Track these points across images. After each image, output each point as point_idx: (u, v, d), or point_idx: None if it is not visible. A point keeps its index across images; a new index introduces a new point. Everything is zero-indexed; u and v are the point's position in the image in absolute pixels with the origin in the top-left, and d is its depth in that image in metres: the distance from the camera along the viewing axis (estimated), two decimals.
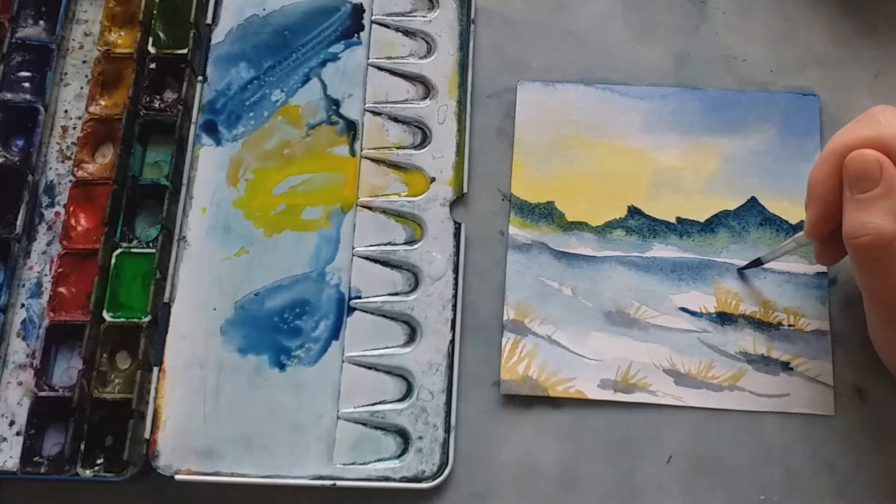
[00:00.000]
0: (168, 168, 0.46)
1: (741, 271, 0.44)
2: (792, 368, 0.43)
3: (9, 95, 0.48)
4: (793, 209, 0.45)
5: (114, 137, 0.47)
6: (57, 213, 0.46)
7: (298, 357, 0.43)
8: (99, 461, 0.42)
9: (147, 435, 0.42)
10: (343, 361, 0.43)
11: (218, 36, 0.49)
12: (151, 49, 0.48)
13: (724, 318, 0.43)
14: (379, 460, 0.42)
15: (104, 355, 0.43)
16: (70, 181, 0.46)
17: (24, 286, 0.45)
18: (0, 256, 0.45)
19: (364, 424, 0.42)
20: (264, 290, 0.44)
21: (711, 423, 0.42)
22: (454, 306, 0.44)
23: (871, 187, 0.36)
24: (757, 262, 0.44)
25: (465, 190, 0.46)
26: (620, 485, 0.41)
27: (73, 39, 0.50)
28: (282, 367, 0.43)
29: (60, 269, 0.44)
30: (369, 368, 0.43)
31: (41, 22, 0.49)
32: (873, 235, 0.35)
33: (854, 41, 0.48)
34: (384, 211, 0.46)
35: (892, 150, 0.36)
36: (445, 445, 0.42)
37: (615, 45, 0.49)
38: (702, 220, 0.45)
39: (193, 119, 0.47)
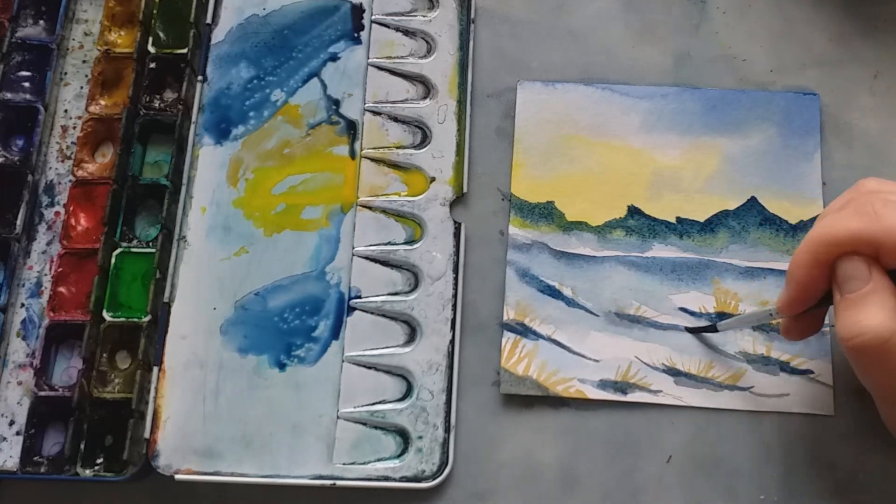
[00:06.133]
0: (168, 168, 0.46)
1: (690, 331, 0.43)
2: (792, 368, 0.42)
3: (9, 95, 0.48)
4: (793, 209, 0.45)
5: (114, 137, 0.47)
6: (57, 213, 0.46)
7: (298, 357, 0.43)
8: (99, 461, 0.42)
9: (147, 435, 0.42)
10: (343, 361, 0.43)
11: (218, 36, 0.49)
12: (151, 49, 0.48)
13: (723, 319, 0.43)
14: (379, 460, 0.42)
15: (104, 355, 0.43)
16: (70, 181, 0.46)
17: (23, 286, 0.45)
18: (0, 256, 0.45)
19: (364, 424, 0.42)
20: (264, 289, 0.44)
21: (711, 423, 0.42)
22: (454, 306, 0.44)
23: (861, 286, 0.34)
24: (712, 328, 0.42)
25: (465, 190, 0.46)
26: (620, 485, 0.41)
27: (73, 39, 0.50)
28: (282, 366, 0.43)
29: (60, 269, 0.44)
30: (369, 368, 0.43)
31: (41, 22, 0.49)
32: (870, 335, 0.33)
33: (854, 41, 0.48)
34: (384, 211, 0.46)
35: (886, 246, 0.34)
36: (445, 445, 0.42)
37: (615, 44, 0.49)
38: (702, 220, 0.45)
39: (193, 119, 0.47)
